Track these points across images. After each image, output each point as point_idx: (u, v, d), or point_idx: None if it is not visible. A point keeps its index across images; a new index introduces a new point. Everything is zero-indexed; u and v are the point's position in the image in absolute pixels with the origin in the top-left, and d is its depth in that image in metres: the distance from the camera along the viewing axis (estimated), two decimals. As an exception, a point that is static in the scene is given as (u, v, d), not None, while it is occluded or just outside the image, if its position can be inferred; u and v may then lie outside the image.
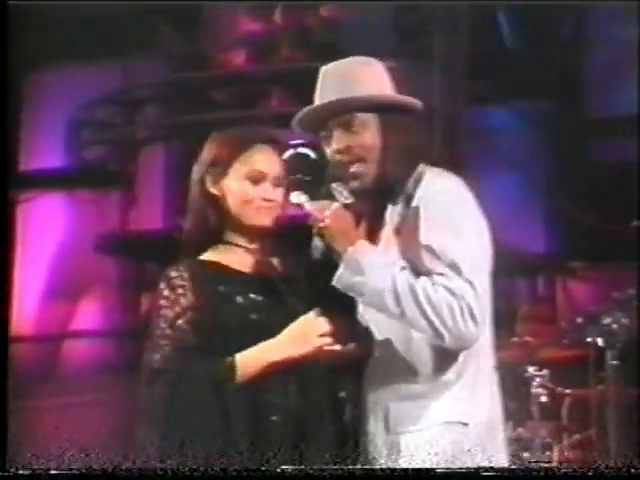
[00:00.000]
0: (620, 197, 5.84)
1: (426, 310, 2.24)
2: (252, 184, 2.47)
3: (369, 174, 2.39)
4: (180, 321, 2.41)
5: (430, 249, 2.28)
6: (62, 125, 7.27)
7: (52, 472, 2.21)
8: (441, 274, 2.26)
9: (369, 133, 2.39)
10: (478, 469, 2.23)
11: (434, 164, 2.41)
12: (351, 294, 2.32)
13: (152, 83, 7.52)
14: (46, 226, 7.27)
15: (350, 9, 6.89)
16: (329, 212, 2.32)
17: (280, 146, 2.52)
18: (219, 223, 2.48)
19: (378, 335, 2.37)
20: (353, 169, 2.40)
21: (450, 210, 2.32)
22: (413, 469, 2.24)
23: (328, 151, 2.42)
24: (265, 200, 2.45)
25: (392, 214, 2.39)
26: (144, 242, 7.15)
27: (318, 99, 2.42)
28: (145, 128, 7.65)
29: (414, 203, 2.35)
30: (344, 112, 2.38)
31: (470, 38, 6.53)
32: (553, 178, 6.83)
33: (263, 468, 2.22)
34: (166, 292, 2.43)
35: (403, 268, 2.29)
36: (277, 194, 2.48)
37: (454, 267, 2.26)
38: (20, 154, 7.44)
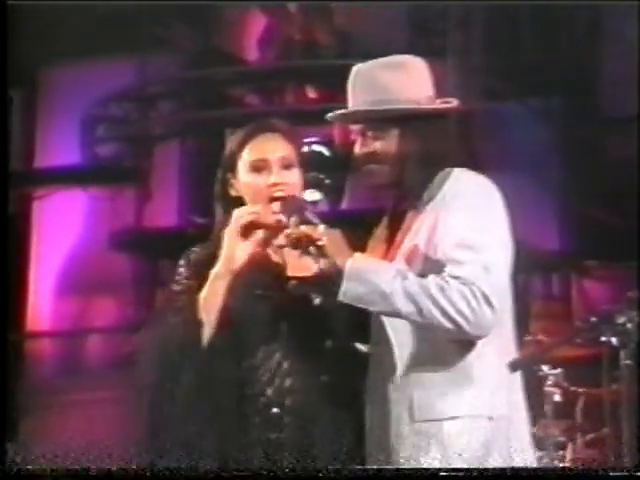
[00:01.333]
0: (635, 195, 5.84)
1: (441, 303, 2.27)
2: (256, 173, 2.46)
3: (386, 174, 2.43)
4: (182, 296, 2.42)
5: (447, 236, 2.31)
6: (76, 121, 7.31)
7: (52, 473, 2.21)
8: (452, 262, 2.29)
9: (396, 139, 2.43)
10: (482, 470, 2.26)
11: (460, 164, 2.44)
12: (361, 306, 2.34)
13: (166, 79, 7.54)
14: (61, 222, 7.31)
15: (364, 7, 6.91)
16: (322, 231, 2.35)
17: (287, 132, 2.51)
18: None
19: (394, 329, 2.39)
20: (373, 167, 2.44)
21: (471, 200, 2.35)
22: (420, 469, 2.27)
23: (357, 149, 2.47)
24: (272, 186, 2.42)
25: (411, 216, 2.41)
26: (158, 239, 7.18)
27: (352, 100, 2.46)
28: (160, 124, 7.67)
29: (437, 200, 2.39)
30: (378, 120, 2.42)
31: (484, 35, 6.53)
32: (568, 176, 6.82)
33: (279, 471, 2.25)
34: (182, 270, 2.44)
35: (407, 271, 2.32)
36: (286, 176, 2.44)
37: (467, 254, 2.29)
38: (35, 150, 7.49)
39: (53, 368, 7.02)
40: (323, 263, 2.34)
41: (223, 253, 2.36)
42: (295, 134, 2.53)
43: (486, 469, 2.26)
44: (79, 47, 7.05)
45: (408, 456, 2.29)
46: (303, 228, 2.35)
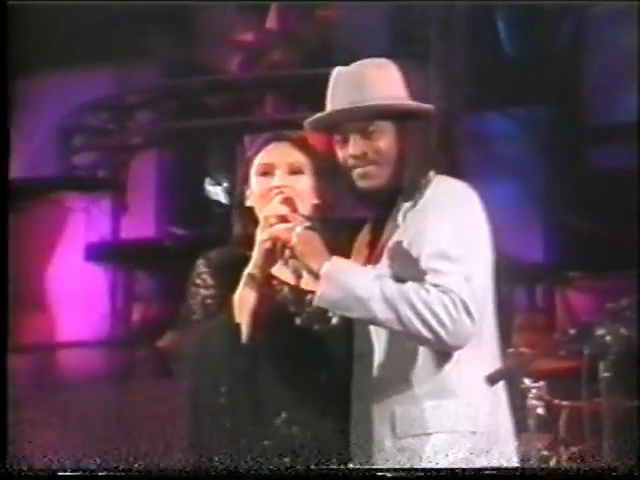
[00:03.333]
0: (620, 205, 5.85)
1: (420, 310, 2.24)
2: (262, 177, 2.47)
3: (380, 176, 2.41)
4: (209, 300, 2.42)
5: (427, 244, 2.30)
6: (52, 131, 7.28)
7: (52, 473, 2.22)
8: (432, 271, 2.27)
9: (385, 139, 2.41)
10: (480, 470, 2.25)
11: (441, 171, 2.43)
12: (337, 312, 2.32)
13: (144, 89, 7.52)
14: (36, 234, 7.27)
15: (344, 11, 6.92)
16: (296, 232, 2.32)
17: (298, 140, 2.49)
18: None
19: (375, 339, 2.38)
20: (364, 170, 2.41)
21: (452, 208, 2.33)
22: (417, 469, 2.26)
23: (341, 154, 2.44)
24: (274, 188, 2.42)
25: (395, 220, 2.40)
26: (136, 251, 7.15)
27: (332, 103, 2.43)
28: (137, 134, 7.65)
29: (418, 206, 2.37)
30: (361, 119, 2.40)
31: (467, 42, 6.55)
32: (551, 186, 6.84)
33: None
34: (204, 274, 2.43)
35: (387, 276, 2.30)
36: (291, 180, 2.44)
37: (447, 263, 2.27)
38: (9, 161, 7.44)
39: (26, 383, 6.96)
40: (297, 267, 2.32)
41: (257, 250, 2.35)
42: (308, 142, 2.51)
43: (486, 469, 2.25)
44: (55, 56, 7.03)
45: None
46: (277, 228, 2.33)
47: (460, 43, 6.55)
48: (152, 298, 7.48)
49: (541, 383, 4.48)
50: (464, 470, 2.24)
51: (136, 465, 2.28)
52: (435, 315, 2.24)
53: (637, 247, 5.23)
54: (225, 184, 7.71)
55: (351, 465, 2.33)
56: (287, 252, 2.31)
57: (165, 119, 7.51)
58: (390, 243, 2.38)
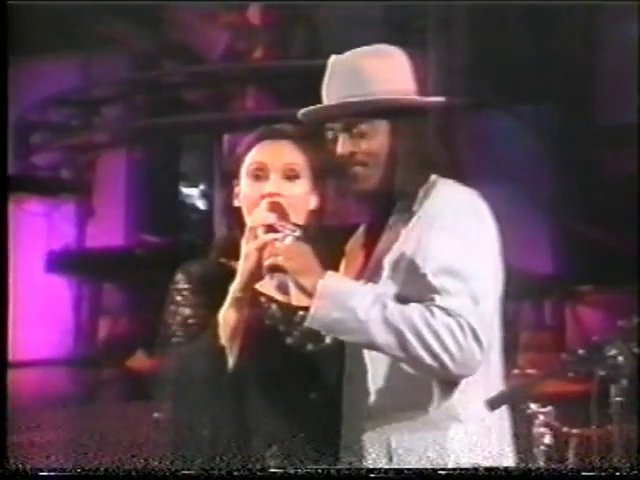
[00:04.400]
0: (634, 213, 5.87)
1: (424, 336, 2.21)
2: (254, 181, 2.42)
3: (371, 179, 2.38)
4: (192, 321, 2.39)
5: (432, 259, 2.27)
6: (9, 128, 7.25)
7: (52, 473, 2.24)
8: (437, 290, 2.25)
9: (377, 138, 2.37)
10: (478, 469, 2.25)
11: (444, 174, 2.40)
12: (330, 334, 2.28)
13: (112, 81, 7.52)
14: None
15: (336, 5, 6.93)
16: (285, 244, 2.27)
17: (298, 138, 2.45)
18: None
19: (368, 360, 2.36)
20: (353, 171, 2.39)
21: (460, 221, 2.29)
22: (408, 469, 2.26)
23: (332, 153, 2.41)
24: (267, 196, 2.37)
25: (393, 227, 2.38)
26: (103, 260, 7.13)
27: (326, 95, 2.41)
28: (104, 131, 7.65)
29: (420, 214, 2.34)
30: (354, 115, 2.37)
31: (468, 33, 6.56)
32: (560, 191, 6.86)
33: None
34: (182, 286, 2.41)
35: (387, 294, 2.27)
36: (286, 187, 2.39)
37: (454, 282, 2.25)
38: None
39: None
40: (283, 281, 2.29)
41: (242, 265, 2.31)
42: (308, 141, 2.46)
43: (486, 468, 2.24)
44: (12, 45, 7.01)
45: None
46: (263, 239, 2.30)
47: (460, 34, 6.56)
48: (120, 312, 7.46)
49: (548, 408, 4.47)
50: (463, 470, 2.24)
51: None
52: (441, 342, 2.20)
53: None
54: (202, 187, 7.71)
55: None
56: (275, 267, 2.27)
57: (136, 115, 7.49)
58: (389, 255, 2.35)
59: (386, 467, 2.27)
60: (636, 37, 6.35)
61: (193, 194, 7.75)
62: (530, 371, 4.34)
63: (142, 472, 2.24)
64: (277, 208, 2.35)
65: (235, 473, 2.26)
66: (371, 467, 2.29)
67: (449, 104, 2.50)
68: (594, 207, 6.59)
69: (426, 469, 2.24)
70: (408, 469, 2.26)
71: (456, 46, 6.49)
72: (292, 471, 2.25)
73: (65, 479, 2.21)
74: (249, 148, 2.47)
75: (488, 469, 2.24)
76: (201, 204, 7.66)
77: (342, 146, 2.37)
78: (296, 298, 2.39)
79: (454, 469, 2.24)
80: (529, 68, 6.75)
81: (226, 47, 7.31)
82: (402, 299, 2.28)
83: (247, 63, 7.30)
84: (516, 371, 4.28)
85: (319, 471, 2.25)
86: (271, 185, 2.41)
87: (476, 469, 2.24)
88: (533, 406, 4.46)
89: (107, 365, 7.10)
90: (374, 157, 2.37)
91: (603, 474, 2.28)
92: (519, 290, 2.41)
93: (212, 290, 2.36)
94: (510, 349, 2.53)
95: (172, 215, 7.61)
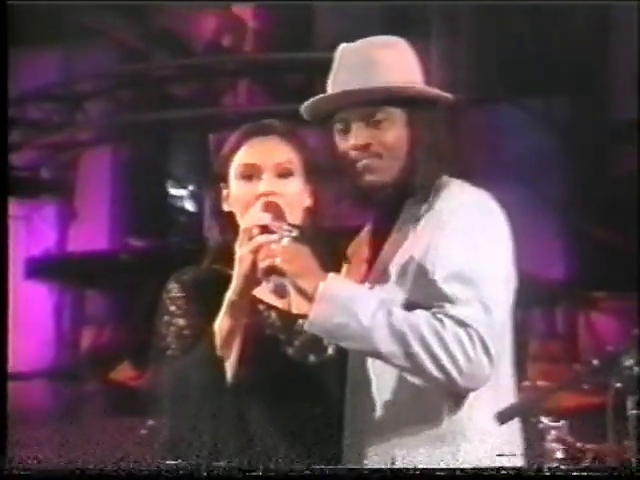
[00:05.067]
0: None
1: (431, 346, 2.20)
2: (245, 181, 2.42)
3: (386, 172, 2.38)
4: (187, 331, 2.38)
5: (442, 264, 2.27)
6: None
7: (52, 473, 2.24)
8: (447, 297, 2.25)
9: (393, 130, 2.37)
10: (477, 469, 2.23)
11: (454, 174, 2.41)
12: (332, 341, 2.28)
13: (97, 75, 7.51)
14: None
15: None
16: (282, 245, 2.25)
17: (288, 135, 2.45)
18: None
19: (372, 370, 2.35)
20: (367, 163, 2.39)
21: (472, 224, 2.30)
22: (414, 469, 2.25)
23: (341, 145, 2.41)
24: (261, 196, 2.37)
25: (400, 229, 2.38)
26: (86, 266, 7.13)
27: (334, 84, 2.41)
28: (88, 128, 7.64)
29: (430, 216, 2.34)
30: (366, 104, 2.36)
31: (474, 23, 6.56)
32: (572, 190, 6.85)
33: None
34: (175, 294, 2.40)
35: (393, 300, 2.27)
36: (280, 185, 2.39)
37: (465, 289, 2.24)
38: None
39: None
40: (279, 285, 2.28)
41: (237, 269, 2.30)
42: (299, 138, 2.46)
43: (488, 469, 2.23)
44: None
45: None
46: (258, 240, 2.28)
47: (466, 24, 6.56)
48: (104, 321, 7.46)
49: (561, 422, 4.46)
50: (463, 470, 2.24)
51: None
52: (449, 353, 2.20)
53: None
54: (191, 187, 7.70)
55: None
56: (272, 270, 2.26)
57: (121, 110, 7.48)
58: (395, 258, 2.35)
59: (386, 467, 2.27)
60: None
61: (182, 195, 7.73)
62: (541, 383, 4.33)
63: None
64: (273, 207, 2.35)
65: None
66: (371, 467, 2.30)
67: (457, 98, 2.50)
68: (608, 207, 6.58)
69: (426, 469, 2.23)
70: (408, 469, 2.25)
71: (461, 37, 6.48)
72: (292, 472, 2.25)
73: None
74: (236, 148, 2.47)
75: (489, 469, 2.24)
76: (190, 205, 7.65)
77: (357, 136, 2.38)
78: (295, 303, 2.38)
79: (454, 469, 2.24)
80: (539, 56, 6.74)
81: (215, 37, 7.31)
82: (409, 305, 2.28)
83: (239, 55, 7.30)
84: (526, 383, 4.27)
85: (319, 471, 2.24)
86: (265, 184, 2.41)
87: (477, 469, 2.23)
88: (545, 420, 4.45)
89: (90, 378, 7.09)
90: (390, 149, 2.38)
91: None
92: (529, 297, 2.40)
93: (207, 298, 2.36)
94: (520, 360, 2.52)
95: (159, 217, 7.60)
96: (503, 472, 2.24)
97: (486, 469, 2.25)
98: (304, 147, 2.48)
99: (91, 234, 7.24)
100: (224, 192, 2.48)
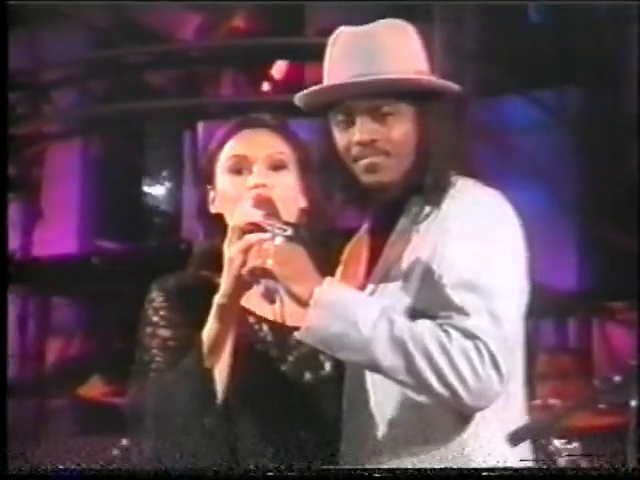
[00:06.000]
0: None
1: (436, 360, 2.21)
2: (234, 175, 2.43)
3: (391, 170, 2.38)
4: (172, 343, 2.39)
5: (449, 270, 2.27)
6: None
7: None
8: (454, 306, 2.24)
9: (401, 125, 2.38)
10: (477, 470, 2.28)
11: (462, 172, 2.41)
12: (327, 351, 2.27)
13: (65, 62, 7.49)
14: None
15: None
16: (275, 245, 2.25)
17: (279, 128, 2.48)
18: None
19: (370, 386, 2.35)
20: (371, 160, 2.38)
21: (483, 227, 2.30)
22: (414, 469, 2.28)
23: (343, 140, 2.41)
24: (252, 189, 2.37)
25: (403, 230, 2.38)
26: (53, 271, 7.10)
27: (332, 74, 2.41)
28: (55, 120, 7.63)
29: (436, 217, 2.34)
30: (371, 96, 2.37)
31: (481, 8, 6.57)
32: (586, 192, 6.86)
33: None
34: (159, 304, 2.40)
35: (395, 308, 2.26)
36: (273, 178, 2.40)
37: (474, 298, 2.24)
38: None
39: None
40: (271, 289, 2.27)
41: (226, 271, 2.29)
42: (292, 132, 2.49)
43: (490, 469, 2.28)
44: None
45: None
46: (248, 239, 2.27)
47: (472, 9, 6.56)
48: (73, 332, 7.44)
49: (575, 445, 4.48)
50: (464, 470, 2.27)
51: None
52: (455, 368, 2.21)
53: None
54: (169, 185, 7.69)
55: None
56: (263, 272, 2.25)
57: (91, 101, 7.47)
58: (398, 263, 2.35)
59: (387, 467, 2.29)
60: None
61: (159, 194, 7.73)
62: (553, 401, 4.35)
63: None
64: (264, 202, 2.36)
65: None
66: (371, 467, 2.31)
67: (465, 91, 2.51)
68: (626, 210, 6.58)
69: (425, 469, 2.27)
70: (408, 469, 2.28)
71: (467, 22, 6.49)
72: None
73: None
74: (224, 142, 2.48)
75: (490, 470, 2.27)
76: (168, 205, 7.64)
77: (361, 131, 2.38)
78: (288, 309, 2.38)
79: (455, 469, 2.27)
80: (552, 44, 6.75)
81: (199, 24, 7.31)
82: (412, 314, 2.28)
83: (222, 41, 7.29)
84: (537, 401, 4.28)
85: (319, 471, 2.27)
86: (256, 176, 2.42)
87: (478, 470, 2.27)
88: (557, 442, 4.46)
89: (56, 394, 7.08)
90: (397, 146, 2.39)
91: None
92: (537, 307, 2.41)
93: (193, 307, 2.37)
94: (529, 376, 2.53)
95: (134, 218, 7.59)
96: (505, 473, 2.27)
97: (486, 470, 2.27)
98: (297, 141, 2.50)
99: (58, 236, 7.22)
100: (211, 194, 2.48)
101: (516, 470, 2.30)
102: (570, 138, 6.98)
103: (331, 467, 2.31)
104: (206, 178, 2.49)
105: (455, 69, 5.91)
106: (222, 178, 2.44)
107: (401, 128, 2.39)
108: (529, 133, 6.81)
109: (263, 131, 2.46)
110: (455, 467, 2.28)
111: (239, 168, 2.42)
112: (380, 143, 2.38)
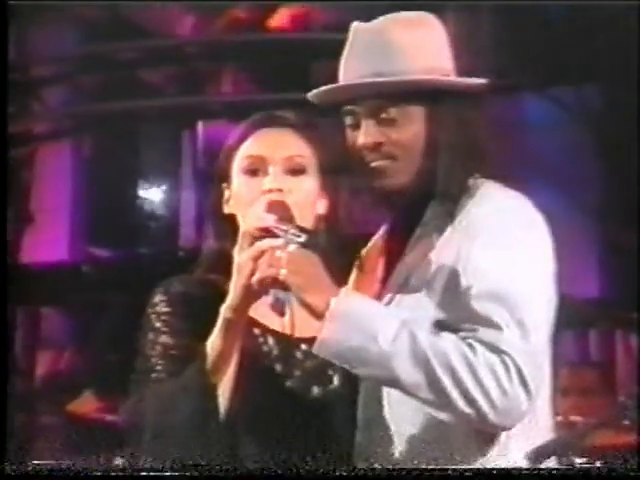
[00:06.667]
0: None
1: (460, 376, 2.20)
2: (249, 176, 2.42)
3: (400, 175, 2.38)
4: (174, 352, 2.38)
5: (475, 279, 2.26)
6: None
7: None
8: (479, 319, 2.23)
9: (409, 127, 2.38)
10: (478, 470, 2.28)
11: (489, 174, 2.40)
12: (344, 365, 2.25)
13: (55, 58, 7.50)
14: None
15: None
16: (288, 252, 2.24)
17: (302, 128, 2.47)
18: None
19: (386, 403, 2.34)
20: (378, 165, 2.38)
21: (513, 233, 2.29)
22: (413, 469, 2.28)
23: (352, 143, 2.40)
24: (266, 192, 2.37)
25: (423, 237, 2.36)
26: (42, 279, 7.10)
27: (346, 71, 2.40)
28: (45, 119, 7.63)
29: (459, 223, 2.33)
30: (377, 98, 2.37)
31: (495, 9, 6.57)
32: (608, 195, 6.85)
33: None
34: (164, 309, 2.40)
35: (417, 321, 2.25)
36: (290, 182, 2.39)
37: (501, 311, 2.23)
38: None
39: None
40: (281, 299, 2.25)
41: (235, 279, 2.29)
42: (317, 132, 2.47)
43: (492, 469, 2.28)
44: None
45: None
46: (260, 245, 2.26)
47: (488, 5, 6.57)
48: (64, 344, 7.44)
49: (598, 464, 4.46)
50: (464, 470, 2.28)
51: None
52: (480, 384, 2.20)
53: None
54: (165, 188, 7.69)
55: None
56: (275, 282, 2.23)
57: (83, 99, 7.47)
58: (418, 272, 2.34)
59: (390, 467, 2.30)
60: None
61: (155, 198, 7.71)
62: (575, 418, 4.33)
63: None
64: (278, 208, 2.35)
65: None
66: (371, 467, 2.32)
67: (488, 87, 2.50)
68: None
69: (426, 469, 2.27)
70: (407, 469, 2.29)
71: (480, 13, 6.49)
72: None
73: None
74: (242, 140, 2.48)
75: (490, 470, 2.28)
76: (165, 210, 7.63)
77: (366, 135, 2.38)
78: (299, 322, 2.37)
79: (455, 469, 2.27)
80: (570, 38, 6.74)
81: (196, 15, 7.32)
82: (434, 326, 2.28)
83: (222, 36, 7.29)
84: (559, 418, 4.27)
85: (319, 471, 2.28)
86: (271, 180, 2.41)
87: (478, 470, 2.27)
88: (578, 461, 4.44)
89: (45, 410, 7.07)
90: (406, 149, 2.40)
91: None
92: (559, 317, 2.40)
93: (198, 314, 2.36)
94: (551, 391, 2.52)
95: (128, 223, 7.58)
96: (505, 474, 2.28)
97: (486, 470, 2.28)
98: (322, 143, 2.48)
99: (48, 242, 7.23)
100: (226, 193, 2.48)
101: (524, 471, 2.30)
102: (589, 138, 6.99)
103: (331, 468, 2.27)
104: (221, 176, 2.49)
105: (467, 64, 5.91)
106: (237, 178, 2.44)
107: (410, 130, 2.39)
108: (546, 132, 6.82)
109: (284, 130, 2.46)
110: (459, 468, 2.28)
111: (255, 169, 2.42)
112: (386, 147, 2.38)
